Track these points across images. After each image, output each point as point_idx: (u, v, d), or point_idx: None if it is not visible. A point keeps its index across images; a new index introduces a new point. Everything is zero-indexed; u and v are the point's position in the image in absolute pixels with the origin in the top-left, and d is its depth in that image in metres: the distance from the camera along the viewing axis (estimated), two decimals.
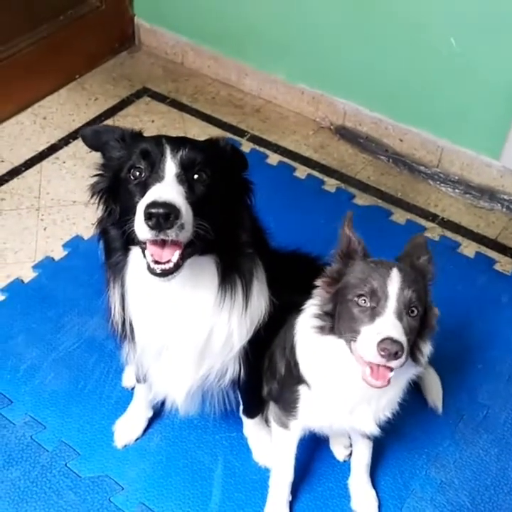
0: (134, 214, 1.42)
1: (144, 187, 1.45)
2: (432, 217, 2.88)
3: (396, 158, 3.12)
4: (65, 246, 2.68)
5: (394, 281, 1.45)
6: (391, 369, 1.44)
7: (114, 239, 1.59)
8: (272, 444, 1.96)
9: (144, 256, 1.46)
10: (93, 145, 1.65)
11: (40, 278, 2.56)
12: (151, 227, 1.38)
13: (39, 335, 2.36)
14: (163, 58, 3.63)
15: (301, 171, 3.04)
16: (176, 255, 1.43)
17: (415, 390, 2.18)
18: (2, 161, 3.02)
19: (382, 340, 1.38)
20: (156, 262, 1.43)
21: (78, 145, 3.08)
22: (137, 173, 1.49)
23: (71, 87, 3.41)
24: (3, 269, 2.58)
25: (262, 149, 3.14)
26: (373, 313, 1.44)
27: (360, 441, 1.94)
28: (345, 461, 2.08)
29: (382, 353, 1.38)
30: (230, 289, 1.61)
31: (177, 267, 1.44)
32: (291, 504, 1.98)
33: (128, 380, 2.23)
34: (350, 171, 3.07)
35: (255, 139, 3.19)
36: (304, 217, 2.79)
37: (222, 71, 3.44)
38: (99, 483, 2.01)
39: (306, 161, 3.11)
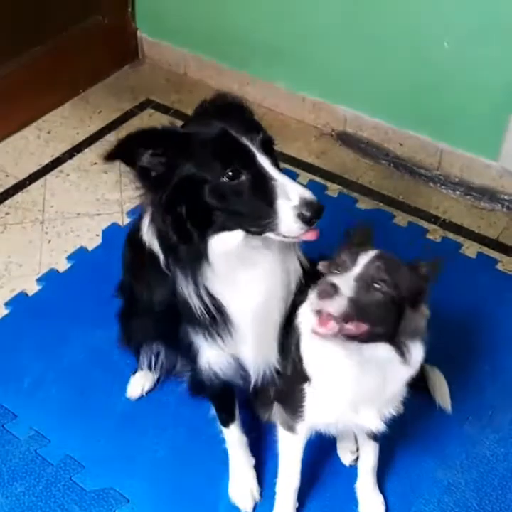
0: (256, 217, 1.46)
1: (260, 188, 1.45)
2: (434, 219, 2.82)
3: (397, 162, 3.06)
4: (69, 258, 2.62)
5: (368, 255, 1.43)
6: (333, 318, 1.37)
7: (181, 237, 1.50)
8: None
9: None
10: (122, 160, 1.51)
11: (45, 291, 2.50)
12: (308, 223, 1.44)
13: (43, 348, 2.30)
14: (166, 70, 3.57)
15: (304, 177, 2.97)
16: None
17: (421, 392, 2.10)
18: (7, 176, 2.97)
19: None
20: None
21: (82, 158, 3.04)
22: (231, 174, 1.45)
23: (75, 101, 3.36)
24: (8, 283, 2.52)
25: None
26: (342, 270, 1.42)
27: (366, 444, 1.86)
28: (351, 466, 2.00)
29: (321, 296, 1.34)
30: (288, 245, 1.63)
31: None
32: (298, 510, 1.91)
33: (133, 390, 2.16)
34: (352, 175, 3.01)
35: None
36: None
37: (224, 81, 3.40)
38: (104, 496, 1.93)
39: (309, 167, 3.05)
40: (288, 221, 1.44)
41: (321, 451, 2.02)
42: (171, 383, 2.15)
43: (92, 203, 2.84)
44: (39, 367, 2.24)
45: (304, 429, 1.75)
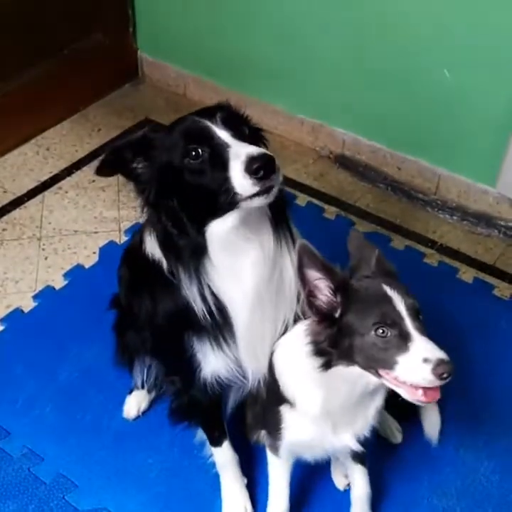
0: (217, 188, 1.51)
1: (217, 158, 1.51)
2: (431, 243, 2.85)
3: (394, 186, 3.10)
4: (65, 275, 2.64)
5: (396, 299, 1.42)
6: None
7: (180, 232, 1.60)
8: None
9: None
10: (114, 173, 1.66)
11: (40, 308, 2.52)
12: (260, 178, 1.46)
13: (38, 365, 2.31)
14: (165, 90, 3.63)
15: (302, 199, 3.02)
16: None
17: (415, 417, 2.15)
18: (5, 192, 3.00)
19: (437, 366, 1.36)
20: None
21: (81, 175, 3.07)
22: (194, 153, 1.54)
23: (75, 119, 3.40)
24: (4, 300, 2.54)
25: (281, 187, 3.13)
26: (401, 340, 1.39)
27: (354, 470, 1.87)
28: (345, 490, 2.01)
29: (443, 376, 1.36)
30: (281, 228, 1.68)
31: None
32: None
33: (129, 410, 2.17)
34: (349, 198, 3.05)
35: None
36: None
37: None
38: None
39: (307, 189, 3.09)
40: (238, 178, 1.48)
41: (315, 475, 2.03)
42: (165, 403, 2.15)
43: (90, 221, 2.87)
44: (34, 384, 2.25)
45: (285, 451, 1.77)
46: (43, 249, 2.75)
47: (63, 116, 3.37)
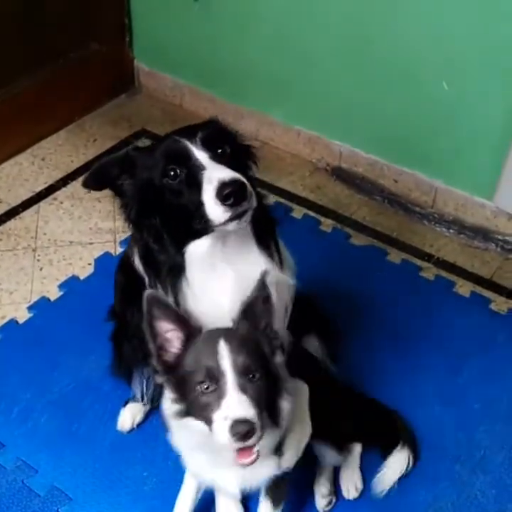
0: (193, 210, 1.54)
1: (193, 180, 1.55)
2: (427, 257, 2.89)
3: (391, 198, 3.14)
4: (60, 286, 2.67)
5: (223, 354, 1.38)
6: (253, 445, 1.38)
7: (161, 250, 1.65)
8: None
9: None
10: (102, 187, 1.71)
11: (35, 319, 2.54)
12: (230, 205, 1.49)
13: (33, 376, 2.33)
14: (162, 100, 3.67)
15: (298, 211, 3.05)
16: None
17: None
18: (0, 202, 3.03)
19: (232, 426, 1.33)
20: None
21: (76, 186, 3.10)
22: (172, 173, 1.58)
23: (70, 129, 3.43)
24: None
25: (267, 204, 3.16)
26: (218, 396, 1.37)
27: (262, 506, 1.82)
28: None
29: (236, 438, 1.34)
30: (267, 249, 1.71)
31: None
32: None
33: (124, 422, 2.19)
34: (346, 211, 3.08)
35: (252, 180, 3.21)
36: (300, 256, 2.79)
37: (219, 113, 3.40)
38: None
39: (303, 202, 3.12)
40: (210, 204, 1.51)
41: (299, 494, 2.06)
42: (160, 416, 2.20)
43: (85, 232, 2.90)
44: (28, 395, 2.27)
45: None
46: (38, 260, 2.78)
47: (59, 126, 3.40)
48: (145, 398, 2.15)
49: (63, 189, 3.10)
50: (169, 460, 2.10)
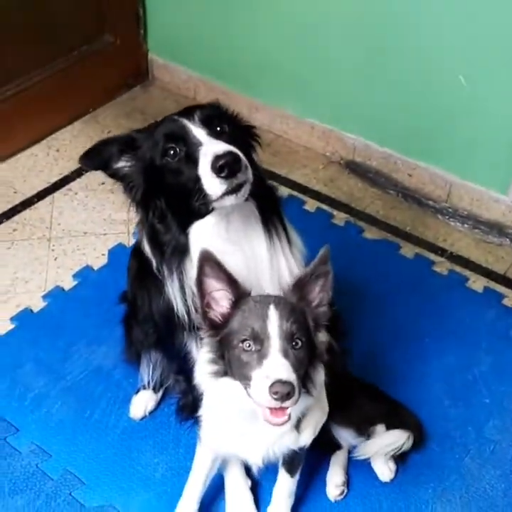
0: (192, 187, 1.60)
1: (191, 157, 1.61)
2: (441, 251, 2.93)
3: (405, 192, 3.17)
4: (74, 276, 2.74)
5: (272, 318, 1.45)
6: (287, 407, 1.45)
7: (166, 231, 1.72)
8: None
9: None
10: (97, 166, 1.78)
11: (50, 307, 2.62)
12: (225, 177, 1.54)
13: (47, 364, 2.41)
14: (175, 93, 3.73)
15: (311, 204, 3.10)
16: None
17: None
18: (15, 192, 3.11)
19: (273, 384, 1.40)
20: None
21: (90, 177, 3.16)
22: (172, 152, 1.65)
23: (85, 120, 3.51)
24: (13, 299, 2.65)
25: (272, 185, 3.21)
26: (260, 356, 1.44)
27: (280, 475, 1.94)
28: (336, 501, 2.09)
29: (275, 397, 1.40)
30: (273, 228, 1.77)
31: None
32: None
33: (136, 410, 2.27)
34: (359, 204, 3.13)
35: (265, 173, 3.25)
36: (312, 250, 2.83)
37: (233, 105, 3.46)
38: None
39: (316, 195, 3.17)
40: (206, 177, 1.58)
41: (310, 481, 2.12)
42: (172, 404, 2.27)
43: (99, 223, 2.98)
44: (42, 382, 2.35)
45: (207, 448, 1.87)
46: (53, 250, 2.86)
47: (73, 118, 3.48)
48: (151, 384, 2.22)
49: (77, 180, 3.17)
50: (180, 448, 2.20)
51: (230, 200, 1.61)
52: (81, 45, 3.44)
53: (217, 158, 1.55)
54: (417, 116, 3.02)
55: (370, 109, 3.14)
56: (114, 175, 1.76)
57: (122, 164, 1.75)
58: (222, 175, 1.55)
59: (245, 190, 1.62)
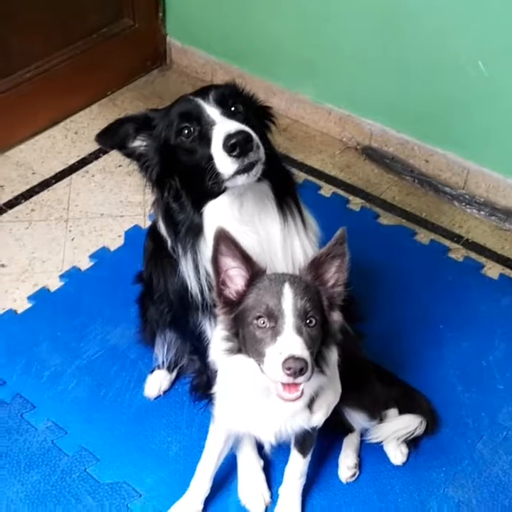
0: (205, 166, 1.61)
1: (204, 136, 1.63)
2: (457, 238, 2.91)
3: (421, 178, 3.16)
4: (91, 257, 2.76)
5: (286, 296, 1.46)
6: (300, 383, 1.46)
7: (180, 210, 1.73)
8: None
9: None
10: (113, 144, 1.80)
11: (67, 287, 2.64)
12: (236, 156, 1.56)
13: (63, 342, 2.44)
14: (193, 77, 3.73)
15: (327, 190, 3.09)
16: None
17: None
18: (33, 173, 3.13)
19: (286, 360, 1.41)
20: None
21: (108, 160, 3.18)
22: (186, 131, 1.67)
23: (103, 103, 3.52)
24: (31, 278, 2.67)
25: (287, 168, 3.20)
26: (274, 333, 1.46)
27: (292, 455, 1.95)
28: (347, 483, 2.10)
29: (288, 372, 1.41)
30: (288, 210, 1.78)
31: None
32: None
33: (150, 390, 2.28)
34: (375, 190, 3.12)
35: (282, 157, 3.24)
36: (327, 235, 2.83)
37: (250, 90, 3.52)
38: (117, 489, 2.06)
39: (332, 180, 3.16)
40: (218, 156, 1.59)
41: (322, 462, 2.14)
42: (186, 384, 2.29)
43: (116, 205, 3.00)
44: (59, 361, 2.38)
45: (220, 426, 1.87)
46: (70, 231, 2.88)
47: (92, 100, 3.49)
48: (165, 364, 2.23)
49: (95, 162, 3.19)
50: (193, 427, 2.21)
51: (242, 179, 1.62)
52: (100, 28, 3.45)
53: (228, 137, 1.56)
54: (435, 101, 3.00)
55: (387, 95, 3.12)
56: (130, 154, 1.77)
57: (138, 143, 1.76)
58: (234, 154, 1.57)
59: (257, 169, 1.63)
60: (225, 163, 1.59)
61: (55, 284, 2.65)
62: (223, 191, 1.68)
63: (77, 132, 3.35)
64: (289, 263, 1.79)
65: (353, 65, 3.16)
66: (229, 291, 1.55)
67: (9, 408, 2.24)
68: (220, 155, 1.59)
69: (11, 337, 2.45)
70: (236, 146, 1.56)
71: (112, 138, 1.77)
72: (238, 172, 1.60)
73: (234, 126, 1.58)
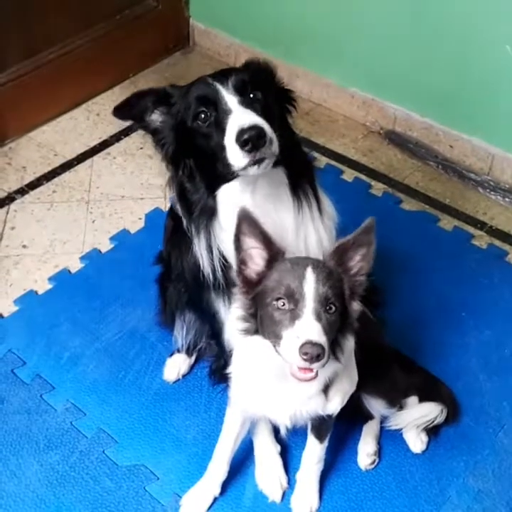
0: (218, 154, 1.60)
1: (220, 124, 1.61)
2: (480, 224, 2.86)
3: (446, 164, 3.11)
4: (112, 239, 2.75)
5: (309, 280, 1.44)
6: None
7: (194, 190, 1.72)
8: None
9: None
10: (131, 116, 1.77)
11: (87, 269, 2.63)
12: (249, 151, 1.54)
13: (83, 324, 2.42)
14: (216, 59, 3.68)
15: (349, 174, 3.05)
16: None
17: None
18: (55, 155, 3.11)
19: (303, 345, 1.38)
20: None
21: (129, 142, 3.16)
22: (203, 116, 1.64)
23: (124, 85, 3.49)
24: (52, 259, 2.66)
25: (307, 152, 3.17)
26: (293, 316, 1.43)
27: (309, 440, 1.93)
28: (367, 470, 2.07)
29: (305, 357, 1.39)
30: (304, 196, 1.75)
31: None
32: None
33: (169, 373, 2.26)
34: (398, 175, 3.07)
35: (303, 141, 3.18)
36: (349, 219, 2.78)
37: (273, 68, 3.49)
38: (135, 471, 2.05)
39: (354, 165, 3.12)
40: (230, 148, 1.57)
41: (341, 449, 2.11)
42: (205, 368, 2.27)
43: (137, 187, 2.97)
44: (78, 342, 2.37)
45: (237, 405, 1.84)
46: (91, 213, 2.86)
47: (114, 83, 3.46)
48: (184, 346, 2.21)
49: (116, 144, 3.17)
50: (211, 411, 2.19)
51: (253, 170, 1.61)
52: (123, 9, 3.42)
53: (242, 131, 1.54)
54: (460, 86, 2.94)
55: (412, 79, 3.07)
56: (146, 127, 1.76)
57: (155, 117, 1.74)
58: (246, 148, 1.55)
59: (268, 163, 1.61)
60: (236, 156, 1.57)
61: (75, 265, 2.64)
62: (235, 177, 1.66)
63: (98, 114, 3.33)
64: (301, 249, 1.77)
65: (379, 48, 3.10)
66: (249, 271, 1.53)
67: (29, 388, 2.23)
68: (233, 147, 1.57)
69: (32, 318, 2.44)
70: (248, 141, 1.54)
71: (130, 110, 1.75)
72: (248, 165, 1.59)
73: (248, 120, 1.56)
